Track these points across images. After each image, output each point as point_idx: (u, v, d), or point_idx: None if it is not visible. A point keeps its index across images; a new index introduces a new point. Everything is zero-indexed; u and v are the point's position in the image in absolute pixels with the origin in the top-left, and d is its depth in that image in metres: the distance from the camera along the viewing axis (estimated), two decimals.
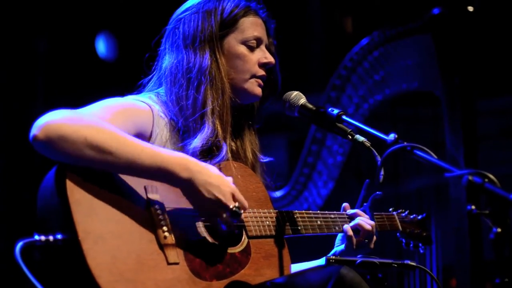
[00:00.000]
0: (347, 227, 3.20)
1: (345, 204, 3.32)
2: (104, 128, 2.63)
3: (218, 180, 2.75)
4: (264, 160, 3.23)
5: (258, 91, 3.16)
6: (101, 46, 6.26)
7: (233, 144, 3.16)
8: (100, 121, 2.66)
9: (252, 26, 3.15)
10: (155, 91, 3.10)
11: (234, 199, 2.77)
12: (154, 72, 3.17)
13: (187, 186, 2.71)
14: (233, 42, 3.13)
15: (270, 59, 3.18)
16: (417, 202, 4.99)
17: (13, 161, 5.53)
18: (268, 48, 3.21)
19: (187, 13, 3.14)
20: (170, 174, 2.68)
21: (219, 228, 2.80)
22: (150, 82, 3.15)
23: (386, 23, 4.96)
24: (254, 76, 3.14)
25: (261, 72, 3.16)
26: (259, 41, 3.16)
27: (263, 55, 3.17)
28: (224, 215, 2.76)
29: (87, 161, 2.59)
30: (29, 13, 5.74)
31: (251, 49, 3.15)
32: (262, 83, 3.17)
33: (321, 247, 3.34)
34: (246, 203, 2.81)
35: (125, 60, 6.10)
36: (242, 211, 2.78)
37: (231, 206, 2.74)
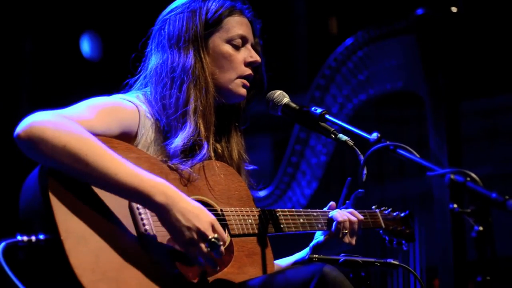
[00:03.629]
0: (335, 213, 3.22)
1: (331, 203, 3.33)
2: (86, 139, 2.63)
3: (197, 210, 2.68)
4: (249, 168, 3.23)
5: (243, 91, 3.16)
6: (86, 46, 6.25)
7: (218, 145, 3.15)
8: (84, 131, 2.65)
9: (237, 25, 3.14)
10: (142, 90, 3.10)
11: (214, 230, 2.69)
12: (141, 73, 3.17)
13: (163, 211, 2.64)
14: (218, 41, 3.12)
15: (256, 57, 3.17)
16: (401, 203, 5.01)
17: None
18: (254, 47, 3.21)
19: (172, 13, 3.14)
20: (146, 196, 2.63)
21: (196, 261, 2.71)
22: (137, 83, 3.15)
23: (371, 23, 4.97)
24: (240, 76, 3.14)
25: (248, 71, 3.15)
26: (244, 40, 3.16)
27: (248, 54, 3.16)
28: (203, 246, 2.67)
29: (63, 167, 2.60)
30: (14, 14, 5.73)
31: (237, 48, 3.14)
32: (247, 84, 3.16)
33: (304, 243, 3.34)
34: (225, 236, 2.76)
35: (109, 60, 6.10)
36: (221, 243, 2.68)
37: (210, 237, 2.66)
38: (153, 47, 3.15)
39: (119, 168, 2.62)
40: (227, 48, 3.13)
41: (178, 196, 2.67)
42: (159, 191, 2.64)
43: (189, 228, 2.64)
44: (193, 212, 2.66)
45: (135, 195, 2.63)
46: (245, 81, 3.15)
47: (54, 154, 2.57)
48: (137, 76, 3.17)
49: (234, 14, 3.15)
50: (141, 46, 3.21)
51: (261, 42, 3.28)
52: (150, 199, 2.63)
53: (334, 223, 3.22)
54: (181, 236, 2.66)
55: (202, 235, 2.66)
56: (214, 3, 3.13)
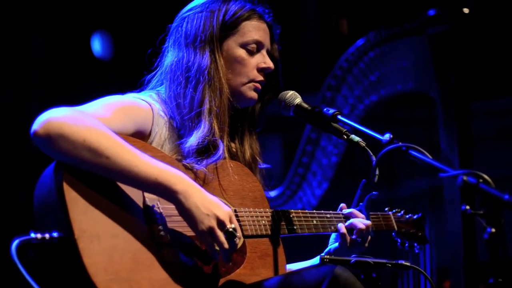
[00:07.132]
0: (341, 225, 3.20)
1: (342, 205, 3.32)
2: (105, 133, 2.64)
3: (215, 200, 2.72)
4: (262, 167, 3.23)
5: (254, 95, 3.16)
6: (97, 45, 6.26)
7: (232, 145, 3.16)
8: (102, 125, 2.66)
9: (253, 30, 3.14)
10: (156, 89, 3.11)
11: (231, 222, 2.72)
12: (157, 69, 3.17)
13: (183, 199, 2.67)
14: (232, 44, 3.12)
15: (269, 64, 3.16)
16: (411, 204, 5.00)
17: (9, 158, 5.53)
18: (271, 53, 3.20)
19: (191, 12, 3.14)
20: (166, 186, 2.65)
21: (211, 253, 2.74)
22: (154, 79, 3.15)
23: (382, 24, 4.96)
24: (252, 80, 3.14)
25: (259, 78, 3.15)
26: (259, 45, 3.15)
27: (262, 59, 3.15)
28: (220, 234, 2.68)
29: (83, 162, 2.60)
30: (25, 11, 5.74)
31: (251, 53, 3.13)
32: (259, 87, 3.16)
33: (317, 246, 3.34)
34: (240, 230, 2.77)
35: (120, 59, 6.11)
36: (238, 234, 2.71)
37: (228, 226, 2.68)
38: (170, 44, 3.16)
39: (139, 160, 2.64)
40: (241, 52, 3.12)
41: (197, 187, 2.71)
42: (179, 181, 2.67)
43: (208, 216, 2.67)
44: (212, 202, 2.69)
45: (155, 185, 2.65)
46: (257, 85, 3.15)
47: (74, 149, 2.57)
48: (154, 72, 3.17)
49: (252, 18, 3.14)
50: (159, 42, 3.21)
51: (279, 48, 3.27)
52: (171, 188, 2.65)
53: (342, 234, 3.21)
54: (200, 224, 2.67)
55: (220, 224, 2.68)
56: (233, 5, 3.13)
